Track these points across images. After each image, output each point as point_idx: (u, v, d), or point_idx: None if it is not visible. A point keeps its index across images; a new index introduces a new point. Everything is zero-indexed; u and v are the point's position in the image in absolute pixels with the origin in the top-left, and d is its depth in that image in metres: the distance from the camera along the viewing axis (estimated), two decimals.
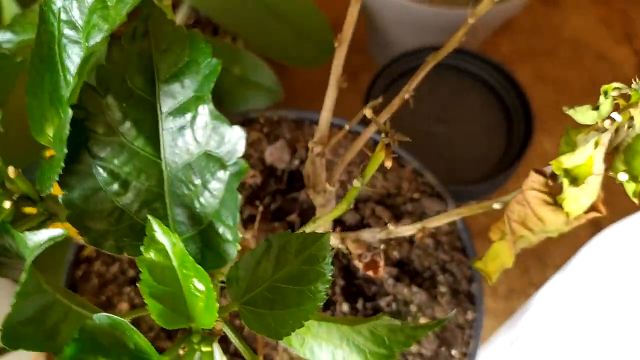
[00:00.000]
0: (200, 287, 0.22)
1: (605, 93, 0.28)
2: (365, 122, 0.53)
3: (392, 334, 0.31)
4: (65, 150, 0.19)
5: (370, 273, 0.38)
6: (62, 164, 0.20)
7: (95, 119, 0.20)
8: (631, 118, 0.27)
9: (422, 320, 0.45)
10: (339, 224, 0.50)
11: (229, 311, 0.25)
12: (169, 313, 0.22)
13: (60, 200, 0.22)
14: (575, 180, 0.29)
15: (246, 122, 0.55)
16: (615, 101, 0.27)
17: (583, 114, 0.28)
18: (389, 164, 0.30)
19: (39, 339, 0.22)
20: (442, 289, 0.47)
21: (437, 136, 0.67)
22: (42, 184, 0.22)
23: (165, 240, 0.21)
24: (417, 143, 0.66)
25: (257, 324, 0.25)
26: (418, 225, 0.36)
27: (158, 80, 0.21)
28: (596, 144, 0.27)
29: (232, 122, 0.55)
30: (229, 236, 0.22)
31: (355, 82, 0.93)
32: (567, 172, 0.29)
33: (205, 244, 0.22)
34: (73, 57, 0.21)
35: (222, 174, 0.21)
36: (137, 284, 0.21)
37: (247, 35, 0.70)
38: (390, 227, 0.37)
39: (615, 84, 0.27)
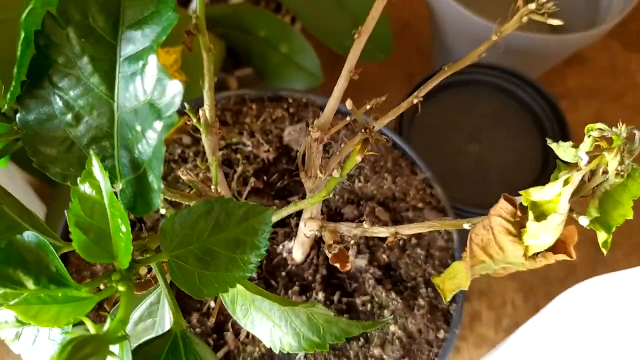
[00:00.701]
0: (123, 228, 0.23)
1: (592, 129, 0.27)
2: (373, 116, 0.52)
3: (328, 325, 0.31)
4: (17, 70, 0.20)
5: (337, 265, 0.38)
6: (21, 78, 0.21)
7: (57, 48, 0.22)
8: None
9: (392, 328, 0.45)
10: (338, 216, 0.50)
11: (157, 260, 0.26)
12: (92, 246, 0.23)
13: (17, 119, 0.23)
14: (540, 216, 0.28)
15: (275, 98, 0.56)
16: (598, 142, 0.26)
17: (564, 150, 0.27)
18: (359, 158, 0.30)
19: None
20: (421, 302, 0.46)
21: (470, 155, 0.66)
22: (9, 101, 0.24)
23: (101, 177, 0.22)
24: (449, 159, 0.66)
25: (183, 279, 0.26)
26: (392, 230, 0.36)
27: (122, 24, 0.22)
28: (566, 182, 0.26)
29: (263, 95, 0.56)
30: (155, 185, 0.22)
31: (410, 83, 0.92)
32: (534, 205, 0.28)
33: (138, 190, 0.23)
34: None
35: (158, 124, 0.21)
36: (65, 211, 0.22)
37: (307, 18, 0.71)
38: (365, 225, 0.37)
39: (599, 125, 0.26)
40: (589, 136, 0.26)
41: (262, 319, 0.32)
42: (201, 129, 0.39)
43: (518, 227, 0.29)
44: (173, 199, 0.37)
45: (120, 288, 0.24)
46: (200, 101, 0.55)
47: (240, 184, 0.51)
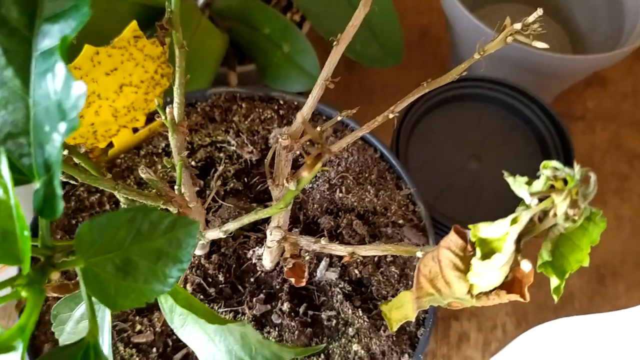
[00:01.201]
0: (25, 233, 0.22)
1: (546, 167, 0.25)
2: (356, 124, 0.51)
3: (260, 346, 0.30)
4: None
5: (292, 280, 0.36)
6: None
7: None
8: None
9: (355, 347, 0.44)
10: (314, 225, 0.49)
11: (72, 266, 0.25)
12: None
13: None
14: (488, 254, 0.26)
15: (266, 98, 0.54)
16: (551, 182, 0.24)
17: (519, 185, 0.25)
18: (305, 174, 0.29)
19: None
20: None
21: (468, 172, 0.64)
22: None
23: (8, 178, 0.21)
24: (446, 174, 0.63)
25: (97, 288, 0.25)
26: (349, 249, 0.35)
27: (39, 17, 0.21)
28: (513, 221, 0.24)
29: (255, 95, 0.54)
30: (58, 191, 0.21)
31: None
32: (482, 242, 0.26)
33: (47, 192, 0.22)
34: None
35: (62, 126, 0.20)
36: None
37: (316, 17, 0.69)
38: (323, 241, 0.36)
39: (553, 163, 0.24)
40: (541, 175, 0.24)
41: (199, 332, 0.31)
42: (168, 127, 0.38)
43: (467, 262, 0.27)
44: (131, 197, 0.36)
45: (24, 294, 0.23)
46: (197, 94, 0.55)
47: (220, 183, 0.50)
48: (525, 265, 0.25)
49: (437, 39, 0.94)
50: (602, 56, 0.65)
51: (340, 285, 0.46)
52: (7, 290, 0.24)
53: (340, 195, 0.49)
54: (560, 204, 0.23)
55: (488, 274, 0.26)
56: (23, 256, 0.23)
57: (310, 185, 0.49)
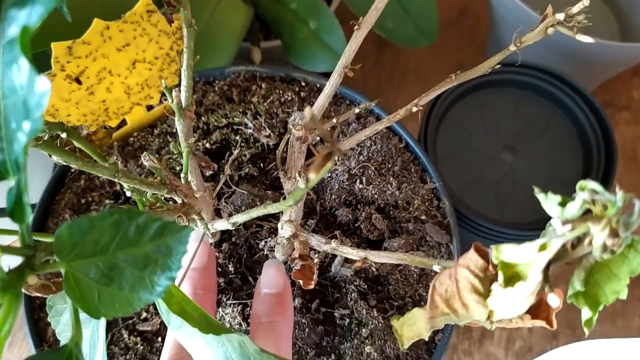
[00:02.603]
0: None
1: (583, 189, 0.21)
2: (377, 117, 0.47)
3: (259, 357, 0.28)
4: None
5: (300, 282, 0.34)
6: None
7: None
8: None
9: (367, 349, 0.41)
10: (331, 216, 0.46)
11: (53, 269, 0.23)
12: None
13: None
14: (513, 278, 0.23)
15: (287, 79, 0.52)
16: (588, 206, 0.21)
17: (551, 204, 0.22)
18: (312, 175, 0.26)
19: None
20: None
21: (501, 165, 0.60)
22: None
23: None
24: (477, 166, 0.60)
25: (78, 294, 0.23)
26: (361, 254, 0.32)
27: (6, 1, 0.18)
28: (542, 248, 0.21)
29: (275, 75, 0.52)
30: (24, 198, 0.19)
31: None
32: (505, 266, 0.23)
33: (18, 193, 0.20)
34: None
35: (26, 125, 0.18)
36: None
37: None
38: (334, 243, 0.33)
39: (591, 184, 0.21)
40: (576, 198, 0.21)
41: (196, 335, 0.29)
42: (175, 111, 0.36)
43: (488, 285, 0.25)
44: (134, 186, 0.34)
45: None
46: (215, 72, 0.52)
47: (234, 168, 0.48)
48: (553, 300, 0.22)
49: (476, 18, 0.89)
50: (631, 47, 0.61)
51: (355, 283, 0.43)
52: None
53: (360, 186, 0.46)
54: (598, 233, 0.20)
55: (510, 301, 0.23)
56: None
57: (329, 175, 0.47)
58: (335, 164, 0.46)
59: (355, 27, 0.34)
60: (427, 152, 0.57)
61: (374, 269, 0.44)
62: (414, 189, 0.46)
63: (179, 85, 0.36)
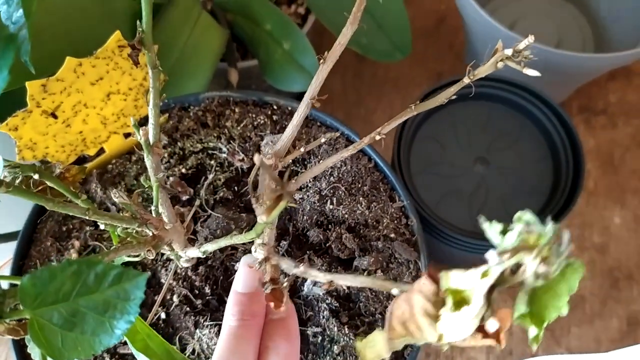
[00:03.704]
0: None
1: (519, 219, 0.23)
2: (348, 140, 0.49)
3: None
4: None
5: (272, 304, 0.36)
6: None
7: None
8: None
9: None
10: (304, 237, 0.48)
11: (18, 317, 0.25)
12: None
13: None
14: (460, 302, 0.25)
15: (260, 103, 0.53)
16: (524, 236, 0.23)
17: (495, 232, 0.24)
18: (264, 218, 0.28)
19: None
20: None
21: (474, 176, 0.62)
22: None
23: None
24: (450, 178, 0.62)
25: (44, 339, 0.25)
26: (328, 277, 0.34)
27: None
28: (484, 274, 0.23)
29: (248, 99, 0.53)
30: None
31: (436, 81, 0.87)
32: (453, 292, 0.25)
33: None
34: None
35: None
36: None
37: (322, 10, 0.67)
38: (303, 267, 0.35)
39: (526, 216, 0.22)
40: (511, 229, 0.23)
41: None
42: (143, 148, 0.37)
43: (439, 307, 0.26)
44: (104, 222, 0.36)
45: None
46: (190, 98, 0.54)
47: (209, 192, 0.49)
48: (492, 325, 0.23)
49: (454, 27, 0.90)
50: (625, 54, 0.62)
51: (327, 301, 0.45)
52: None
53: (331, 207, 0.48)
54: (530, 262, 0.22)
55: (458, 324, 0.25)
56: None
57: (301, 196, 0.48)
58: (294, 202, 0.47)
59: (321, 61, 0.36)
60: (401, 166, 0.59)
61: (344, 288, 0.46)
62: (383, 207, 0.48)
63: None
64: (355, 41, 0.69)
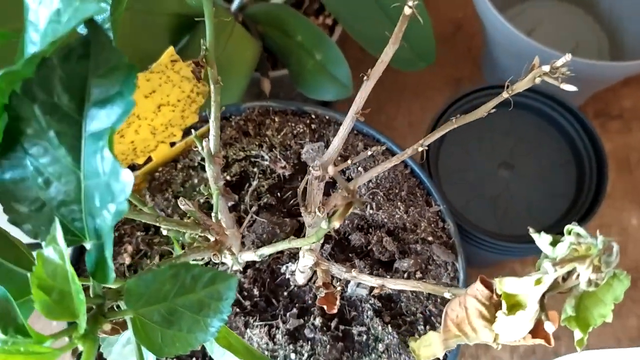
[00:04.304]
0: (81, 297, 0.24)
1: (570, 232, 0.25)
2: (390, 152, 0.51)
3: None
4: None
5: (325, 307, 0.38)
6: None
7: (25, 121, 0.22)
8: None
9: None
10: (345, 241, 0.50)
11: (123, 315, 0.27)
12: (54, 306, 0.24)
13: None
14: (514, 306, 0.27)
15: (299, 112, 0.56)
16: (574, 246, 0.25)
17: (545, 242, 0.26)
18: (336, 224, 0.30)
19: None
20: None
21: (499, 181, 0.64)
22: None
23: (63, 244, 0.23)
24: (477, 182, 0.64)
25: (145, 336, 0.27)
26: (379, 281, 0.36)
27: (88, 101, 0.22)
28: (537, 282, 0.25)
29: (287, 109, 0.56)
30: (109, 263, 0.23)
31: (456, 89, 0.90)
32: (507, 295, 0.27)
33: (99, 258, 0.24)
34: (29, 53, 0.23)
35: (112, 207, 0.22)
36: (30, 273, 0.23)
37: (348, 21, 0.69)
38: (354, 272, 0.37)
39: (576, 229, 0.25)
40: (563, 240, 0.25)
41: None
42: (205, 158, 0.40)
43: (493, 310, 0.29)
44: (171, 227, 0.38)
45: (80, 346, 0.25)
46: (231, 108, 0.56)
47: (254, 198, 0.52)
48: (549, 327, 0.26)
49: (471, 34, 0.93)
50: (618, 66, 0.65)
51: (370, 302, 0.47)
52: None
53: (371, 211, 0.50)
54: (584, 271, 0.24)
55: (513, 326, 0.27)
56: (78, 314, 0.25)
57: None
58: (355, 209, 0.50)
59: (365, 77, 0.38)
60: (430, 173, 0.61)
61: (386, 288, 0.48)
62: (420, 212, 0.50)
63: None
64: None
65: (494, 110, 0.40)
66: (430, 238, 0.50)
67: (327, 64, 0.63)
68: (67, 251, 0.23)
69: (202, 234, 0.39)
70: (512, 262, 0.77)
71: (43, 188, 0.24)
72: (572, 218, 0.60)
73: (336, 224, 0.30)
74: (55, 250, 0.23)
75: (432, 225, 0.50)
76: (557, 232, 0.62)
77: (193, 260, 0.39)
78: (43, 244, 0.24)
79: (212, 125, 0.39)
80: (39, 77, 0.21)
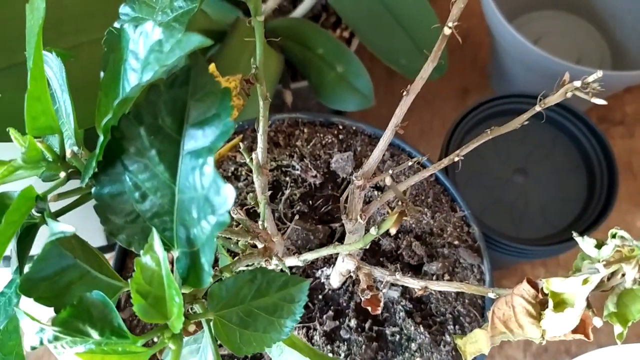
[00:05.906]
0: (177, 299, 0.26)
1: (614, 236, 0.28)
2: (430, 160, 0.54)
3: None
4: (98, 152, 0.24)
5: (369, 308, 0.40)
6: (98, 159, 0.25)
7: (130, 141, 0.25)
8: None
9: None
10: (376, 246, 0.53)
11: (204, 317, 0.29)
12: (149, 309, 0.27)
13: (92, 191, 0.26)
14: (560, 304, 0.30)
15: (326, 123, 0.58)
16: (619, 249, 0.28)
17: (589, 245, 0.29)
18: (393, 230, 0.33)
19: (50, 295, 0.28)
20: (448, 338, 0.49)
21: (514, 186, 0.67)
22: (86, 172, 0.27)
23: (161, 252, 0.25)
24: (493, 188, 0.67)
25: (225, 336, 0.29)
26: (422, 283, 0.38)
27: (187, 122, 0.24)
28: (584, 282, 0.28)
29: (315, 120, 0.58)
30: (206, 268, 0.25)
31: (463, 99, 0.93)
32: (554, 294, 0.30)
33: (192, 264, 0.26)
34: (131, 81, 0.25)
35: (211, 219, 0.24)
36: (130, 279, 0.26)
37: (365, 34, 0.72)
38: (398, 275, 0.39)
39: (621, 232, 0.27)
40: (609, 243, 0.28)
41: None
42: (253, 169, 0.42)
43: (539, 308, 0.31)
44: (223, 235, 0.41)
45: (171, 346, 0.28)
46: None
47: (286, 206, 0.54)
48: (598, 322, 0.28)
49: (477, 44, 0.96)
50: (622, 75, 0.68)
51: (402, 303, 0.50)
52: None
53: None
54: (630, 270, 0.27)
55: (560, 322, 0.30)
56: (172, 316, 0.27)
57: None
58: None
59: (405, 93, 0.41)
60: (448, 177, 0.64)
61: (416, 290, 0.51)
62: (446, 217, 0.53)
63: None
64: (395, 62, 0.74)
65: (526, 122, 0.42)
66: (456, 242, 0.52)
67: (349, 75, 0.66)
68: (164, 259, 0.26)
69: (251, 241, 0.42)
70: (523, 265, 0.80)
71: (139, 201, 0.26)
72: (584, 221, 0.63)
73: (393, 230, 0.33)
74: (153, 258, 0.26)
75: (458, 229, 0.53)
76: (570, 235, 0.64)
77: (246, 266, 0.42)
78: (141, 252, 0.26)
79: (260, 138, 0.42)
80: (147, 101, 0.24)
